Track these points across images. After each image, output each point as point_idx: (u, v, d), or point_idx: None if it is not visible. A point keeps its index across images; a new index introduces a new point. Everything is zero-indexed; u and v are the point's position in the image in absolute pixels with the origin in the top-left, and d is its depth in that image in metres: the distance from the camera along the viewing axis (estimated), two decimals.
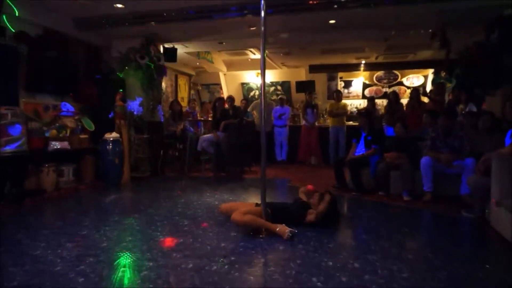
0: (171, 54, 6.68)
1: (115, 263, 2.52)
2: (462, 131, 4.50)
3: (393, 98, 7.19)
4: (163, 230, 3.27)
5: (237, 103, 7.85)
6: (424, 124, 5.22)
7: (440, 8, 4.81)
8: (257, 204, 3.30)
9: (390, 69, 10.08)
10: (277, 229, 3.01)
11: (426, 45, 6.97)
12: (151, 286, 2.16)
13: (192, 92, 10.77)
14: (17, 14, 4.67)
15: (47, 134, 4.87)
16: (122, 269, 2.43)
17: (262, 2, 3.11)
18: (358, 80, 10.50)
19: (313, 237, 3.04)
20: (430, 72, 9.78)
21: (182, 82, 10.10)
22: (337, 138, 7.70)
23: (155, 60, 6.18)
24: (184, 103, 9.34)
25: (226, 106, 7.19)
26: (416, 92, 6.97)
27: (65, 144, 5.01)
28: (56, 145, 4.87)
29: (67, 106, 5.35)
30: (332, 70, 10.22)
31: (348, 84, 10.58)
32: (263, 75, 3.20)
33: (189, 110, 8.26)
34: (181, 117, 7.29)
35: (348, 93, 10.54)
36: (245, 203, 3.62)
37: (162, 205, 4.28)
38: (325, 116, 8.80)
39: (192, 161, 7.11)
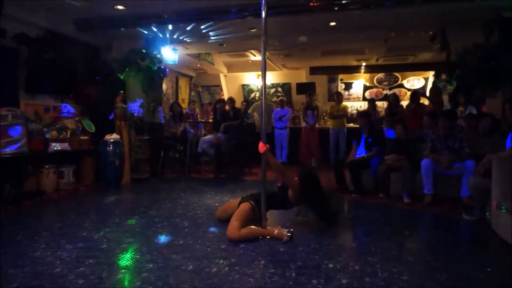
0: None
1: (115, 264, 2.51)
2: (462, 133, 4.50)
3: (394, 100, 7.18)
4: (163, 232, 3.27)
5: (238, 104, 7.84)
6: (424, 126, 5.22)
7: (440, 9, 4.81)
8: (242, 198, 3.32)
9: (390, 71, 10.07)
10: (275, 233, 3.01)
11: (427, 47, 6.97)
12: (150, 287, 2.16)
13: (193, 93, 10.79)
14: None
15: (47, 136, 4.86)
16: (122, 270, 2.42)
17: (263, 3, 3.12)
18: (359, 82, 10.50)
19: (313, 239, 3.04)
20: (430, 75, 9.77)
21: (183, 83, 10.13)
22: (337, 140, 7.69)
23: (155, 61, 6.18)
24: (184, 105, 9.36)
25: (227, 107, 7.20)
26: (416, 94, 6.98)
27: (65, 146, 5.01)
28: (56, 146, 4.87)
29: (68, 108, 5.35)
30: (332, 72, 10.22)
31: (348, 86, 10.57)
32: (263, 76, 3.20)
33: (189, 112, 8.26)
34: (182, 119, 7.30)
35: (349, 95, 10.52)
36: (233, 203, 3.48)
37: (162, 206, 4.27)
38: (326, 118, 8.80)
39: (192, 163, 7.11)
